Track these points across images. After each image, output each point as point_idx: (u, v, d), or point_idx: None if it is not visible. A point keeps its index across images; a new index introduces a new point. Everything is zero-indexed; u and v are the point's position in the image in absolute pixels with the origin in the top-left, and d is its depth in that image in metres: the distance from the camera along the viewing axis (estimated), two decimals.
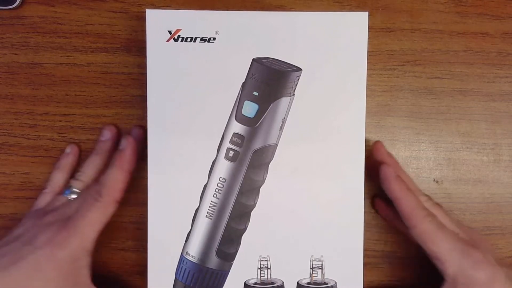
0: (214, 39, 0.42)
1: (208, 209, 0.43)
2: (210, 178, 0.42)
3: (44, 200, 0.46)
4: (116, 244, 0.49)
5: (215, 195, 0.42)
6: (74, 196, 0.45)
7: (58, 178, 0.47)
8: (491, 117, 0.50)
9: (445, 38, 0.50)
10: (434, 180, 0.50)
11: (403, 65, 0.50)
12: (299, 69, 0.41)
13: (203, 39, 0.42)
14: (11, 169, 0.49)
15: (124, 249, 0.49)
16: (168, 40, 0.42)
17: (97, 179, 0.44)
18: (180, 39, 0.42)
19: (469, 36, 0.50)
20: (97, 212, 0.41)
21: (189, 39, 0.42)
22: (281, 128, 0.42)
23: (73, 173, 0.48)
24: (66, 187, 0.46)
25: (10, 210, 0.49)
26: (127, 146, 0.43)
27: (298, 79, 0.42)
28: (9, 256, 0.39)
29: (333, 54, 0.42)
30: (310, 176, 0.43)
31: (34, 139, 0.49)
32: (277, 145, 0.42)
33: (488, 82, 0.50)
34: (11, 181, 0.49)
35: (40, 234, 0.40)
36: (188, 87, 0.42)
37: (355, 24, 0.42)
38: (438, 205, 0.45)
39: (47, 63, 0.49)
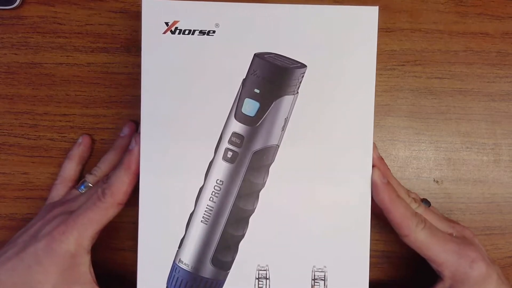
0: (214, 32, 0.32)
1: (204, 214, 0.32)
2: (206, 180, 0.32)
3: (56, 192, 0.37)
4: (116, 244, 0.39)
5: (211, 199, 0.32)
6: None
7: (68, 168, 0.38)
8: (491, 117, 0.40)
9: (445, 38, 0.40)
10: (434, 180, 0.40)
11: (403, 65, 0.40)
12: (304, 66, 0.32)
13: (202, 32, 0.32)
14: (11, 169, 0.39)
15: (124, 249, 0.39)
16: (164, 32, 0.32)
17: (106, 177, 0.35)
18: (177, 31, 0.32)
19: (469, 36, 0.40)
20: (98, 212, 0.32)
21: (187, 32, 0.32)
22: (283, 128, 0.32)
23: (85, 164, 0.39)
24: (81, 181, 0.36)
25: (10, 210, 0.39)
26: (136, 145, 0.32)
27: (303, 77, 0.32)
28: (15, 248, 0.32)
29: (341, 51, 0.32)
30: (314, 180, 0.32)
31: (34, 139, 0.39)
32: (278, 146, 0.32)
33: (488, 82, 0.40)
34: (11, 181, 0.39)
35: (44, 227, 0.32)
36: (185, 82, 0.32)
37: (365, 19, 0.31)
38: (425, 206, 0.35)
39: (47, 63, 0.39)
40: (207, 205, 0.32)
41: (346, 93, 0.32)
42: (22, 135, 0.39)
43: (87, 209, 0.32)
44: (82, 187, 0.36)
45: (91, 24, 0.39)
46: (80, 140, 0.38)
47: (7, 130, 0.39)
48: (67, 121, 0.39)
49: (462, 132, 0.39)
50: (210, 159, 0.32)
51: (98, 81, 0.39)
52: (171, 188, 0.32)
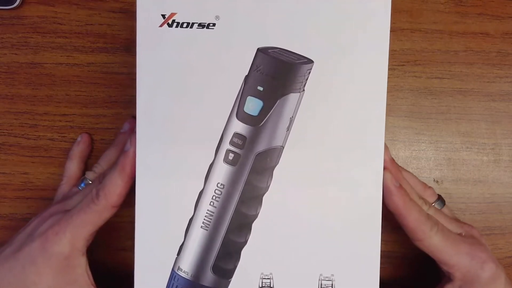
0: (214, 24, 0.28)
1: (204, 219, 0.29)
2: (206, 184, 0.29)
3: (61, 192, 0.35)
4: (116, 244, 0.37)
5: (212, 203, 0.29)
6: None
7: (71, 167, 0.36)
8: (491, 117, 0.38)
9: (445, 38, 0.38)
10: (434, 180, 0.38)
11: (403, 65, 0.38)
12: (311, 61, 0.28)
13: (201, 25, 0.28)
14: (11, 169, 0.37)
15: (124, 249, 0.38)
16: (161, 26, 0.28)
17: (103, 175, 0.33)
18: (175, 24, 0.28)
19: (469, 36, 0.38)
20: (91, 214, 0.29)
21: (185, 25, 0.28)
22: (288, 129, 0.28)
23: (87, 162, 0.37)
24: (82, 179, 0.35)
25: (10, 210, 0.37)
26: (132, 147, 0.29)
27: (309, 73, 0.28)
28: (12, 247, 0.30)
29: (350, 45, 0.28)
30: (321, 184, 0.29)
31: (34, 139, 0.37)
32: (283, 147, 0.29)
33: (488, 82, 0.38)
34: (11, 181, 0.37)
35: (39, 226, 0.30)
36: (183, 79, 0.28)
37: (376, 12, 0.28)
38: (435, 208, 0.33)
39: (47, 63, 0.38)
40: (208, 210, 0.29)
41: (356, 90, 0.28)
42: (22, 135, 0.37)
43: (80, 210, 0.30)
44: (83, 185, 0.34)
45: (91, 24, 0.38)
46: (79, 139, 0.37)
47: (7, 130, 0.37)
48: (67, 121, 0.37)
49: (462, 132, 0.38)
50: (210, 162, 0.29)
51: (98, 81, 0.37)
52: (169, 192, 0.29)
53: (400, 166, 0.35)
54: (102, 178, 0.31)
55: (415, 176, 0.35)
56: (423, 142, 0.38)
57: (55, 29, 0.38)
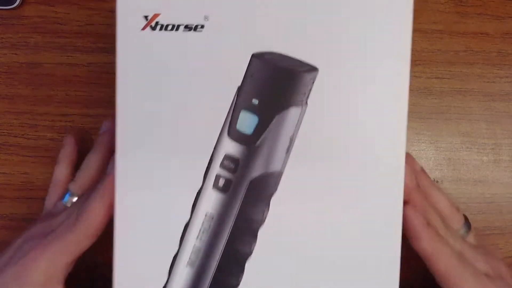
0: (203, 26, 0.24)
1: (190, 256, 0.25)
2: (193, 215, 0.24)
3: (49, 201, 0.33)
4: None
5: (199, 237, 0.25)
6: (74, 199, 0.31)
7: (57, 172, 0.33)
8: (491, 117, 0.38)
9: (445, 38, 0.38)
10: (434, 180, 0.38)
11: None
12: (315, 69, 0.23)
13: (188, 27, 0.24)
14: (11, 169, 0.37)
15: None
16: (143, 29, 0.25)
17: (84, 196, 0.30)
18: (158, 27, 0.24)
19: (469, 36, 0.38)
20: (69, 243, 0.26)
21: (170, 27, 0.24)
22: (288, 150, 0.24)
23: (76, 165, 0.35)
24: (67, 190, 0.32)
25: (10, 210, 0.37)
26: (113, 171, 0.25)
27: (313, 83, 0.23)
28: None
29: (361, 50, 0.23)
30: (326, 216, 0.24)
31: (34, 139, 0.37)
32: (282, 173, 0.24)
33: (488, 82, 0.38)
34: (11, 181, 0.37)
35: (19, 250, 0.28)
36: (167, 91, 0.24)
37: (394, 10, 0.23)
38: (462, 239, 0.30)
39: (47, 63, 0.37)
40: (194, 245, 0.25)
41: (370, 105, 0.23)
42: (22, 135, 0.37)
43: (59, 237, 0.27)
44: (66, 199, 0.32)
45: (91, 24, 0.37)
46: (64, 142, 0.35)
47: (7, 130, 0.37)
48: (67, 121, 0.37)
49: (462, 132, 0.37)
50: (198, 188, 0.25)
51: (98, 81, 0.37)
52: (151, 223, 0.25)
53: (429, 180, 0.31)
54: (84, 199, 0.28)
55: (444, 195, 0.31)
56: (423, 142, 0.37)
57: (55, 29, 0.37)
